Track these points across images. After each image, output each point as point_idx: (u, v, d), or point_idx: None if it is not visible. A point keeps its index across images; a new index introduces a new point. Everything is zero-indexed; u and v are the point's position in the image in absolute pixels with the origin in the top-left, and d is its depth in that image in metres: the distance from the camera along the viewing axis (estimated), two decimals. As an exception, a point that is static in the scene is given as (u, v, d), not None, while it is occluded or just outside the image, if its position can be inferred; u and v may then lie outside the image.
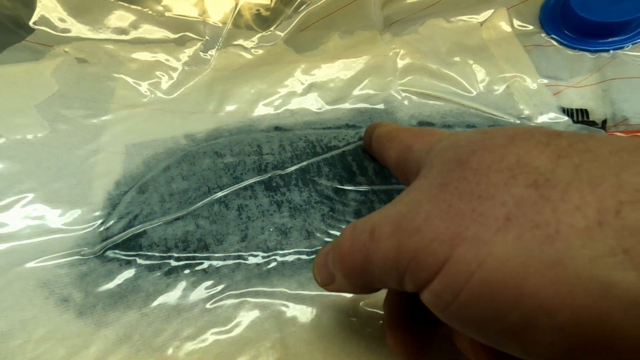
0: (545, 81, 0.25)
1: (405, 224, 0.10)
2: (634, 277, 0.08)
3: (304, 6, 0.28)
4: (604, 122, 0.23)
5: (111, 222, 0.20)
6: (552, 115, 0.24)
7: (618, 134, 0.22)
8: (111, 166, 0.22)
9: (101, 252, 0.19)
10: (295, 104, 0.26)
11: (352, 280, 0.12)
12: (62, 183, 0.20)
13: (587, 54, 0.25)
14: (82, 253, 0.19)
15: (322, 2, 0.28)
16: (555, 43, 0.25)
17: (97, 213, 0.20)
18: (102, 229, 0.20)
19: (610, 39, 0.24)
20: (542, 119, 0.24)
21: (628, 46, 0.24)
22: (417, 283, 0.10)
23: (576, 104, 0.24)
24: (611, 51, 0.24)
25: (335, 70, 0.27)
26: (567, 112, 0.24)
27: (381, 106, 0.26)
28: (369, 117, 0.26)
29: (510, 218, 0.09)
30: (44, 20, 0.25)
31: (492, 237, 0.09)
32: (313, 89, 0.27)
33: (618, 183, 0.08)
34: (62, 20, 0.25)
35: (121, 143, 0.23)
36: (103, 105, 0.24)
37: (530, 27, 0.26)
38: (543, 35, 0.26)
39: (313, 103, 0.26)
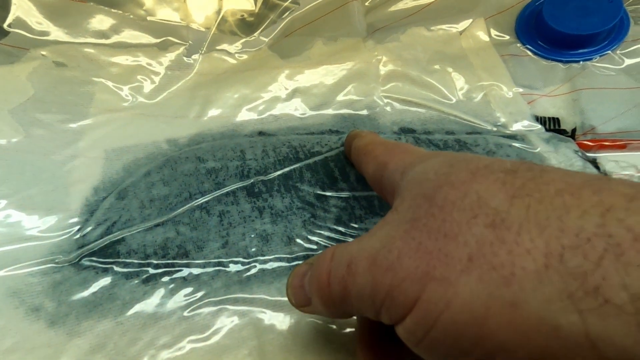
0: (521, 90, 0.25)
1: (379, 261, 0.11)
2: (577, 319, 0.08)
3: (289, 12, 0.29)
4: (574, 130, 0.24)
5: (88, 229, 0.20)
6: (526, 123, 0.25)
7: (586, 142, 0.23)
8: (90, 171, 0.22)
9: (77, 259, 0.19)
10: (279, 109, 0.26)
11: (330, 309, 0.13)
12: (37, 189, 0.20)
13: (560, 64, 0.26)
14: (56, 261, 0.18)
15: (306, 8, 0.29)
16: (530, 53, 0.26)
17: (74, 220, 0.20)
18: (78, 236, 0.19)
19: (580, 51, 0.25)
20: (516, 126, 0.25)
21: (596, 58, 0.25)
22: (392, 318, 0.11)
23: (549, 112, 0.24)
24: (581, 62, 0.25)
25: (319, 76, 0.28)
26: (540, 120, 0.24)
27: (364, 112, 0.26)
28: (352, 122, 0.26)
29: (472, 259, 0.10)
30: (19, 23, 0.24)
31: (457, 277, 0.10)
32: (297, 94, 0.27)
33: (561, 227, 0.09)
34: (39, 23, 0.25)
35: (101, 148, 0.23)
36: (82, 109, 0.24)
37: (507, 37, 0.27)
38: (519, 45, 0.27)
39: (297, 108, 0.26)
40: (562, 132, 0.24)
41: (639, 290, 0.08)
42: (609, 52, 0.25)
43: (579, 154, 0.23)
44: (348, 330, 0.18)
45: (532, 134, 0.24)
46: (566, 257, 0.08)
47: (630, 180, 0.09)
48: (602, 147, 0.22)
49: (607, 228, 0.08)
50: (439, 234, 0.10)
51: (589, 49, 0.25)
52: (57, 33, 0.25)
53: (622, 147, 0.22)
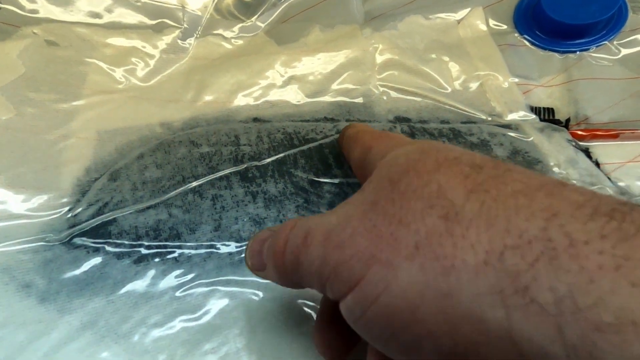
0: (516, 80, 0.25)
1: (333, 236, 0.11)
2: (502, 315, 0.09)
3: (286, -3, 0.28)
4: (567, 120, 0.24)
5: (79, 209, 0.20)
6: (521, 113, 0.25)
7: (579, 132, 0.23)
8: (81, 152, 0.21)
9: (68, 239, 0.18)
10: (274, 96, 0.26)
11: (281, 276, 0.13)
12: (27, 167, 0.20)
13: (556, 55, 0.25)
14: (47, 239, 0.18)
15: (304, -6, 0.28)
16: (527, 43, 0.26)
17: (65, 199, 0.20)
18: (69, 215, 0.19)
19: (577, 41, 0.25)
20: (512, 116, 0.25)
21: (593, 48, 0.25)
22: (334, 294, 0.11)
23: (544, 102, 0.25)
24: (577, 52, 0.25)
25: (316, 63, 0.28)
26: (535, 110, 0.25)
27: (360, 100, 0.26)
28: (347, 110, 0.26)
29: (418, 247, 0.10)
30: (11, -1, 0.24)
31: (400, 263, 0.10)
32: (293, 81, 0.27)
33: (507, 227, 0.09)
34: (30, 0, 0.24)
35: (93, 129, 0.22)
36: (74, 90, 0.23)
37: (505, 27, 0.27)
38: (516, 34, 0.27)
39: (292, 95, 0.26)
40: (557, 122, 0.24)
41: (564, 294, 0.08)
42: (606, 42, 0.25)
43: (572, 143, 0.23)
44: (338, 312, 0.18)
45: (526, 124, 0.24)
46: (506, 255, 0.09)
47: (585, 188, 0.10)
48: (595, 137, 0.23)
49: (548, 232, 0.09)
50: (393, 219, 0.10)
51: (586, 39, 0.25)
52: (49, 10, 0.25)
53: (615, 137, 0.22)
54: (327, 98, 0.26)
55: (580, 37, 0.25)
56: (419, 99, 0.27)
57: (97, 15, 0.26)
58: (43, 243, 0.18)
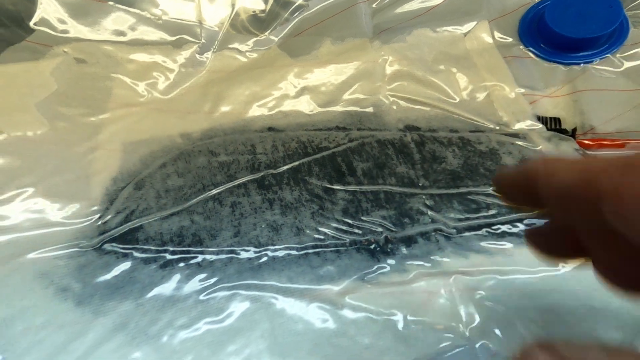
0: (523, 90, 0.26)
1: None
2: None
3: (298, 12, 0.30)
4: (574, 130, 0.24)
5: (109, 217, 0.21)
6: (528, 122, 0.26)
7: (586, 142, 0.23)
8: (108, 163, 0.23)
9: (99, 245, 0.20)
10: (288, 106, 0.27)
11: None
12: (61, 178, 0.21)
13: (561, 67, 0.26)
14: (80, 245, 0.19)
15: (315, 9, 0.30)
16: (532, 55, 0.27)
17: (95, 207, 0.21)
18: (99, 222, 0.20)
19: (581, 53, 0.26)
20: (519, 125, 0.26)
21: (596, 60, 0.26)
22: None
23: (550, 112, 0.25)
24: (582, 65, 0.26)
25: (327, 74, 0.29)
26: (542, 120, 0.25)
27: (370, 109, 0.27)
28: (358, 120, 0.27)
29: None
30: (43, 21, 0.26)
31: None
32: (305, 92, 0.28)
33: None
34: (61, 21, 0.26)
35: (118, 141, 0.24)
36: (101, 104, 0.25)
37: (510, 40, 0.28)
38: (521, 47, 0.27)
39: (305, 105, 0.27)
40: (563, 131, 0.25)
41: None
42: (609, 55, 0.25)
43: (580, 152, 0.24)
44: (353, 316, 0.19)
45: (533, 133, 0.25)
46: None
47: None
48: (602, 146, 0.23)
49: None
50: None
51: (590, 52, 0.26)
52: (78, 31, 0.26)
53: (621, 146, 0.23)
54: (339, 108, 0.27)
55: (583, 50, 0.26)
56: (428, 109, 0.27)
57: (121, 34, 0.27)
58: (77, 249, 0.19)
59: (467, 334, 0.18)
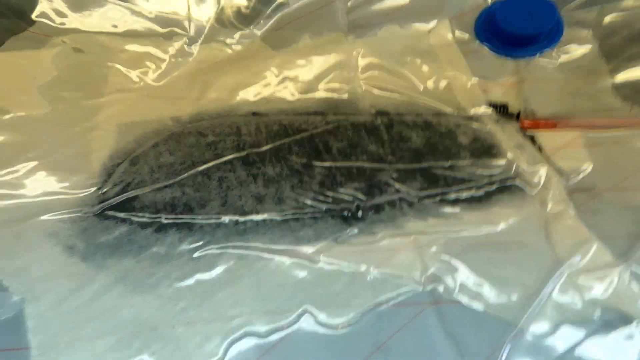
0: (477, 80, 0.30)
1: None
2: None
3: (280, 8, 0.32)
4: (518, 114, 0.28)
5: (107, 188, 0.23)
6: (481, 107, 0.29)
7: (526, 123, 0.27)
8: (105, 142, 0.25)
9: (99, 211, 0.22)
10: (270, 93, 0.30)
11: None
12: (63, 154, 0.23)
13: (509, 59, 0.30)
14: (82, 212, 0.22)
15: (295, 6, 0.32)
16: (486, 49, 0.31)
17: (95, 180, 0.23)
18: (99, 193, 0.23)
19: (526, 48, 0.30)
20: (473, 110, 0.29)
21: (538, 55, 0.30)
22: None
23: (499, 99, 0.29)
24: (526, 58, 0.30)
25: (306, 65, 0.32)
26: (493, 105, 0.29)
27: (345, 96, 0.30)
28: (335, 105, 0.30)
29: None
30: (44, 14, 0.28)
31: None
32: (286, 80, 0.31)
33: None
34: (60, 14, 0.28)
35: (114, 122, 0.26)
36: (97, 89, 0.27)
37: (467, 36, 0.32)
38: (477, 42, 0.31)
39: (286, 93, 0.30)
40: (510, 115, 0.29)
41: None
42: (548, 50, 0.29)
43: (521, 132, 0.27)
44: (327, 269, 0.22)
45: (485, 116, 0.29)
46: None
47: None
48: (538, 127, 0.27)
49: None
50: None
51: (533, 47, 0.30)
52: (76, 23, 0.28)
53: (553, 126, 0.27)
54: (317, 95, 0.30)
55: (527, 45, 0.30)
56: (396, 96, 0.31)
57: (115, 26, 0.30)
58: (80, 214, 0.22)
59: (422, 280, 0.21)
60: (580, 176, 0.25)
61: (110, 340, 0.18)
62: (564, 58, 0.29)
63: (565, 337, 0.19)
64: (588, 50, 0.29)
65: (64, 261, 0.20)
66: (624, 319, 0.19)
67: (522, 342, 0.18)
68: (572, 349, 0.18)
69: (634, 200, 0.23)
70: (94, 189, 0.23)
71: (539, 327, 0.19)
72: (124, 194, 0.23)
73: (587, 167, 0.25)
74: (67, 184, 0.22)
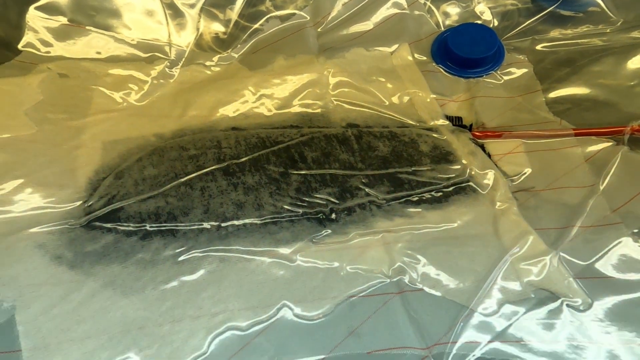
0: (435, 96, 0.34)
1: None
2: None
3: (255, 34, 0.35)
4: (471, 125, 0.33)
5: (93, 201, 0.24)
6: (439, 120, 0.33)
7: (477, 133, 0.32)
8: (91, 158, 0.26)
9: (86, 223, 0.23)
10: (248, 109, 0.32)
11: None
12: (50, 171, 0.25)
13: (462, 79, 0.35)
14: (69, 224, 0.23)
15: (270, 31, 0.36)
16: (441, 70, 0.35)
17: (81, 194, 0.24)
18: (85, 206, 0.24)
19: (474, 70, 0.35)
20: (432, 122, 0.33)
21: (485, 75, 0.35)
22: None
23: (455, 113, 0.33)
24: (475, 78, 0.35)
25: (282, 84, 0.34)
26: (449, 118, 0.33)
27: (319, 111, 0.33)
28: (309, 119, 0.33)
29: None
30: (30, 44, 0.29)
31: None
32: (263, 98, 0.33)
33: None
34: (46, 43, 0.30)
35: (99, 140, 0.27)
36: (83, 110, 0.28)
37: (425, 58, 0.36)
38: (433, 64, 0.36)
39: (264, 109, 0.33)
40: (463, 126, 0.33)
41: None
42: (493, 71, 0.35)
43: (473, 141, 0.31)
44: (304, 267, 0.24)
45: (442, 128, 0.32)
46: None
47: None
48: (487, 137, 0.32)
49: None
50: None
51: (480, 69, 0.35)
52: (61, 51, 0.30)
53: (499, 136, 0.31)
54: (292, 110, 0.33)
55: (476, 67, 0.35)
56: (365, 110, 0.34)
57: (99, 52, 0.32)
58: (67, 226, 0.23)
59: (390, 273, 0.24)
60: (522, 178, 0.29)
61: (100, 340, 0.19)
62: (506, 78, 0.35)
63: (507, 314, 0.21)
64: (525, 72, 0.35)
65: (53, 270, 0.20)
66: (553, 297, 0.22)
67: (472, 321, 0.21)
68: (512, 324, 0.21)
69: (564, 198, 0.27)
70: (80, 202, 0.24)
71: (486, 307, 0.21)
72: (110, 206, 0.24)
73: (527, 170, 0.29)
74: (54, 199, 0.24)
